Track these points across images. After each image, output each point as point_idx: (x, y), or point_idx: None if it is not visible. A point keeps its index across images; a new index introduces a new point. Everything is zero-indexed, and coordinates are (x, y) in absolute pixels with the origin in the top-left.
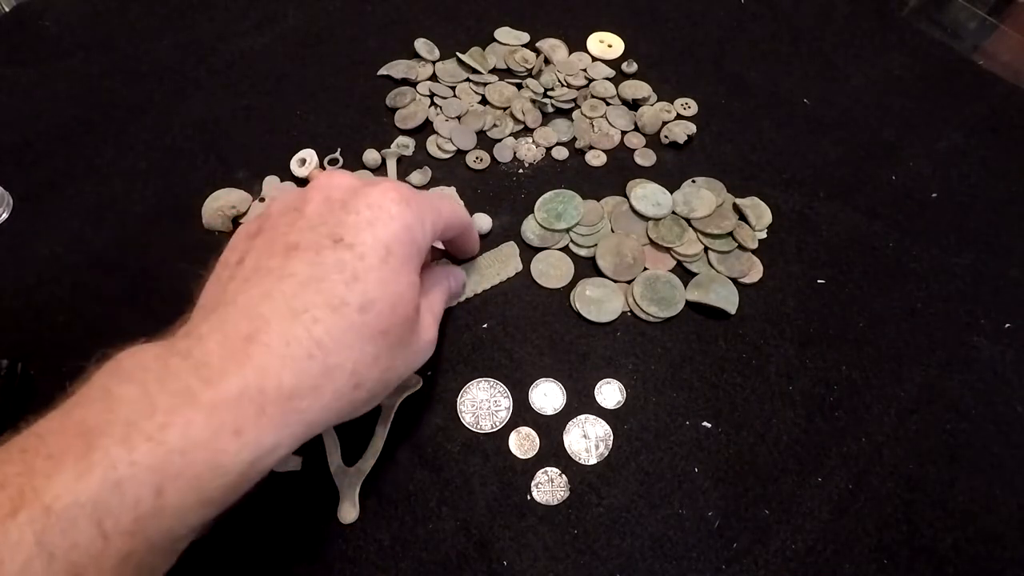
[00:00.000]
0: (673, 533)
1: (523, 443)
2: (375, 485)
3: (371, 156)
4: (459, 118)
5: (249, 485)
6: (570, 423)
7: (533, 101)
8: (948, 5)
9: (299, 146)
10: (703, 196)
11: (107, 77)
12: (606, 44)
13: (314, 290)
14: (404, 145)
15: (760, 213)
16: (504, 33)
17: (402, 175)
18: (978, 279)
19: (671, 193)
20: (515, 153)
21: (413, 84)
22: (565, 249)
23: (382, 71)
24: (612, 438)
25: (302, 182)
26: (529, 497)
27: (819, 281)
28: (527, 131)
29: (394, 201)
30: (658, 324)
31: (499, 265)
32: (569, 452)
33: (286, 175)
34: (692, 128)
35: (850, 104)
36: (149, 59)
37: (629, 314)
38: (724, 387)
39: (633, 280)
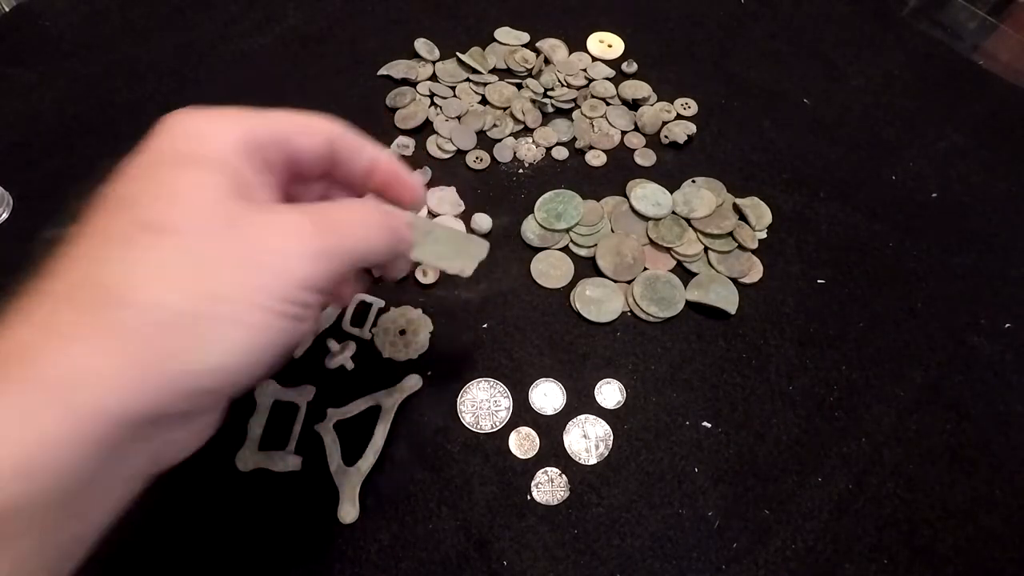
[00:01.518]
0: (673, 533)
1: (523, 443)
2: (375, 485)
3: None
4: (459, 118)
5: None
6: (570, 423)
7: (533, 101)
8: (948, 5)
9: None
10: (703, 196)
11: (107, 77)
12: (606, 44)
13: None
14: (404, 145)
15: (760, 213)
16: (504, 33)
17: None
18: (978, 279)
19: (671, 193)
20: (515, 153)
21: (413, 84)
22: (565, 249)
23: (382, 71)
24: (612, 438)
25: None
26: (529, 497)
27: (819, 281)
28: (527, 131)
29: None
30: (658, 324)
31: (448, 250)
32: (569, 452)
33: None
34: (692, 128)
35: (850, 104)
36: (149, 59)
37: (629, 314)
38: (724, 387)
39: (633, 280)
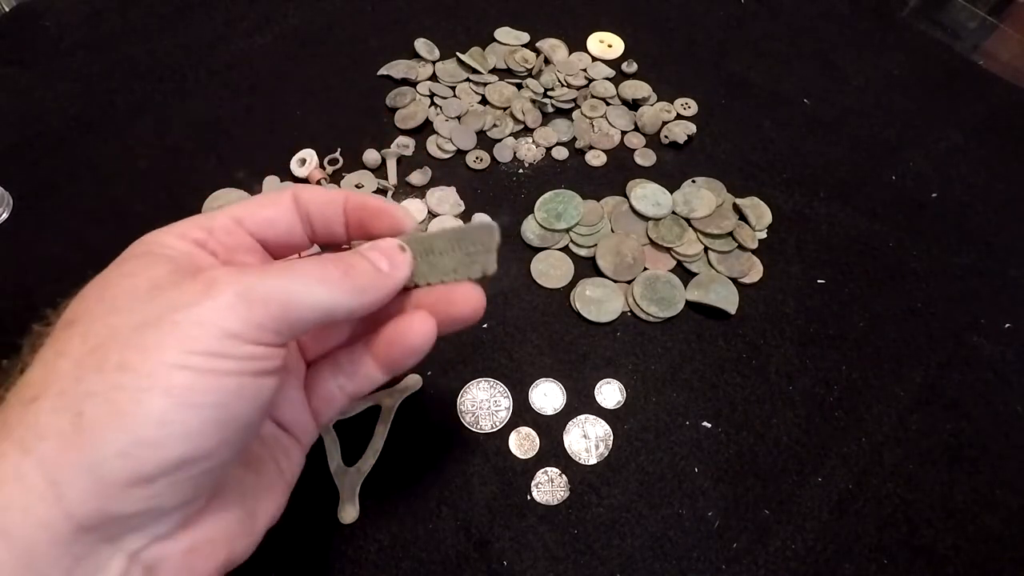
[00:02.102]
0: (673, 533)
1: (523, 443)
2: (375, 485)
3: (371, 156)
4: (459, 118)
5: None
6: (570, 423)
7: (533, 101)
8: (948, 5)
9: (299, 146)
10: (703, 196)
11: (107, 77)
12: (606, 44)
13: None
14: (404, 145)
15: (760, 213)
16: (504, 33)
17: (402, 175)
18: (978, 279)
19: (671, 193)
20: (515, 153)
21: (413, 84)
22: (565, 249)
23: (382, 71)
24: (612, 438)
25: (302, 182)
26: (529, 497)
27: (819, 281)
28: (527, 131)
29: None
30: (658, 324)
31: (461, 256)
32: (569, 452)
33: (286, 175)
34: (692, 128)
35: (850, 104)
36: (149, 59)
37: (629, 314)
38: (724, 387)
39: (633, 280)
